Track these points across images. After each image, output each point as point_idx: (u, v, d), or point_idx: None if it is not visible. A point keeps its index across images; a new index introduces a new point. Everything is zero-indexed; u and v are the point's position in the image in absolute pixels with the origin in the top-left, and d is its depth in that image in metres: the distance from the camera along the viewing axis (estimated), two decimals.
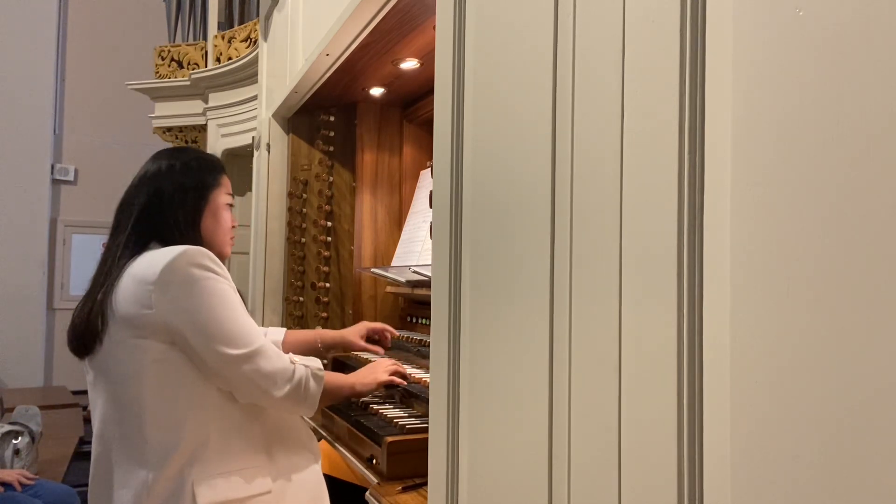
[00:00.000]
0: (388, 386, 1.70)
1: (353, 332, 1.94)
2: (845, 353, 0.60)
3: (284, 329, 1.94)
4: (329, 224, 2.56)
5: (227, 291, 1.35)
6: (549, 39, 0.81)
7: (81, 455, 3.67)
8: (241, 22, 4.42)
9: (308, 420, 1.91)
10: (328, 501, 1.52)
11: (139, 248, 1.40)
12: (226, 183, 1.55)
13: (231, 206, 1.57)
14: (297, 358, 1.45)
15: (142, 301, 1.30)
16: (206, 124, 4.39)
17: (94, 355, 1.37)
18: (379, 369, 1.70)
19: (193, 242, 1.41)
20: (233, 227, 1.57)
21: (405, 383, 1.71)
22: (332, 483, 1.92)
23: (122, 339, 1.32)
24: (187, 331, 1.30)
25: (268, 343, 1.40)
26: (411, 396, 1.70)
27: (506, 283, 0.89)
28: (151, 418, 1.32)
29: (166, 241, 1.40)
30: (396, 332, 2.03)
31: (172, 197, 1.45)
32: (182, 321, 1.30)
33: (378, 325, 1.98)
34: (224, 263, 1.42)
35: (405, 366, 1.90)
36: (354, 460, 1.55)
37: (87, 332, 1.36)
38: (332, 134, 2.59)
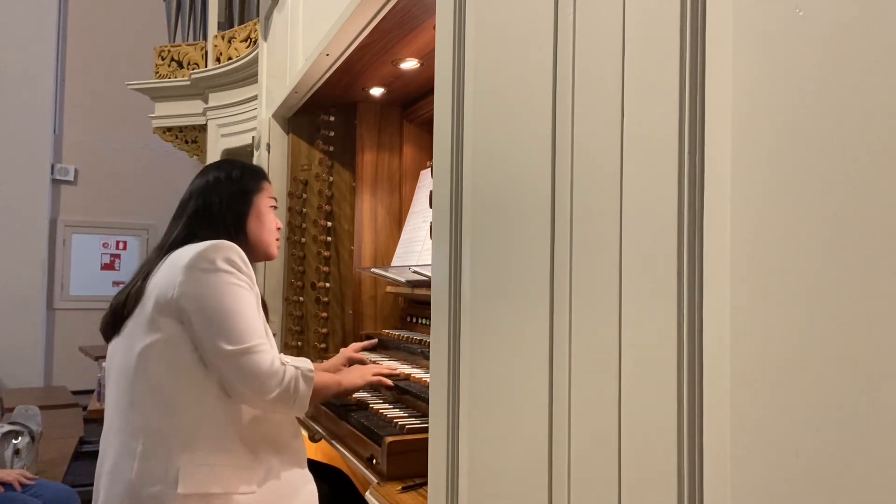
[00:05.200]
0: (376, 387, 1.75)
1: (340, 360, 1.94)
2: (845, 352, 0.60)
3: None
4: (329, 224, 2.56)
5: (241, 289, 1.42)
6: (549, 39, 0.81)
7: (81, 455, 3.66)
8: (241, 22, 4.41)
9: (307, 420, 1.91)
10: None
11: (186, 242, 1.49)
12: (268, 188, 1.67)
13: (275, 208, 1.68)
14: (288, 359, 1.46)
15: (170, 282, 1.40)
16: (206, 124, 4.38)
17: (119, 334, 1.47)
18: (366, 369, 1.75)
19: (240, 243, 1.51)
20: (277, 228, 1.67)
21: (391, 383, 1.73)
22: (332, 473, 1.92)
23: (145, 313, 1.41)
24: (194, 316, 1.38)
25: (266, 345, 1.42)
26: (410, 396, 1.70)
27: (506, 283, 0.89)
28: (151, 394, 1.39)
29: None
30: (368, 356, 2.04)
31: (220, 203, 1.57)
32: (193, 306, 1.38)
33: (353, 354, 1.97)
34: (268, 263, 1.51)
35: (404, 365, 1.90)
36: (354, 460, 1.55)
37: (120, 312, 1.47)
38: (332, 134, 2.58)
